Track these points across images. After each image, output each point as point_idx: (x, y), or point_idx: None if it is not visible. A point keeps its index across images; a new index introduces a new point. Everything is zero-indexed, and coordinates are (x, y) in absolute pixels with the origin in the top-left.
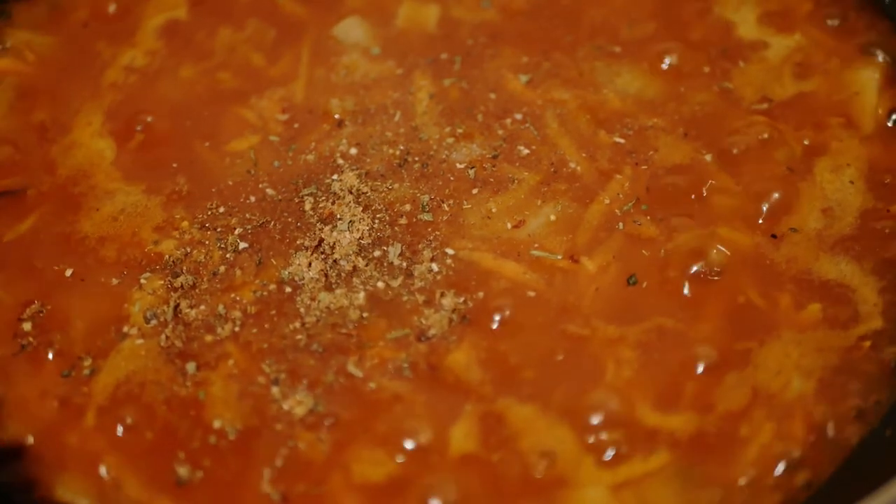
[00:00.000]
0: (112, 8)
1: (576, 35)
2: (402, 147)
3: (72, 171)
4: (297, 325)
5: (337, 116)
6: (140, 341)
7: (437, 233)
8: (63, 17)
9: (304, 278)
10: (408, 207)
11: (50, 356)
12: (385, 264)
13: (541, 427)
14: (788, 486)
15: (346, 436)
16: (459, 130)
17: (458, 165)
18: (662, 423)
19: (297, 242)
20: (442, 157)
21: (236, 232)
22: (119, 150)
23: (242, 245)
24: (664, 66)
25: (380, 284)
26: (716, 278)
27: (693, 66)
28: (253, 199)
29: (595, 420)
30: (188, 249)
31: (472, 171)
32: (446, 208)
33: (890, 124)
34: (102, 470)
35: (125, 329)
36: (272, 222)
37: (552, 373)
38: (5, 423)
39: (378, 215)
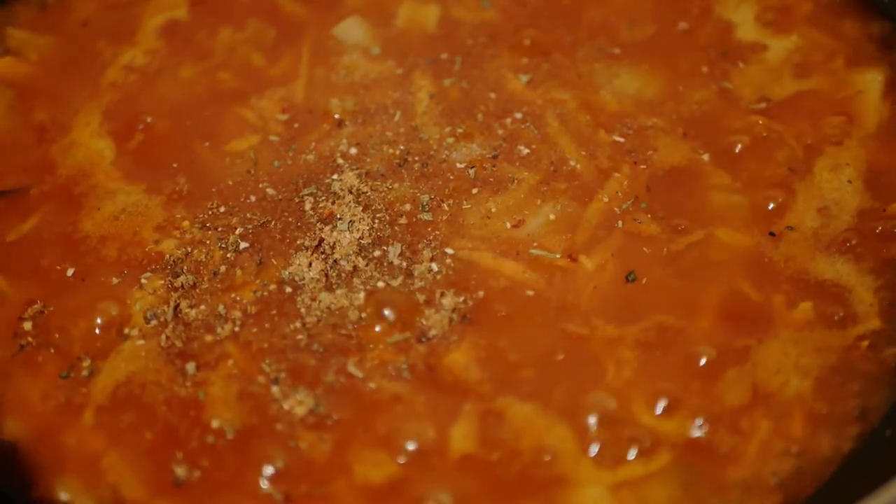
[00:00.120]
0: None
1: (575, 35)
2: (402, 147)
3: (72, 170)
4: (298, 325)
5: (337, 116)
6: (140, 342)
7: (437, 232)
8: (63, 17)
9: (304, 278)
10: (408, 207)
11: (49, 356)
12: (385, 264)
13: (541, 426)
14: (788, 486)
15: (347, 436)
16: (459, 130)
17: (458, 165)
18: (662, 423)
19: (298, 242)
20: (442, 156)
21: (237, 231)
22: (119, 149)
23: (243, 245)
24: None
25: (380, 284)
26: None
27: (692, 66)
28: (253, 198)
29: (595, 419)
30: (189, 249)
31: (472, 171)
32: (446, 208)
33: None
34: (101, 470)
35: (126, 329)
36: (273, 222)
37: (552, 372)
38: (4, 423)
39: (378, 215)
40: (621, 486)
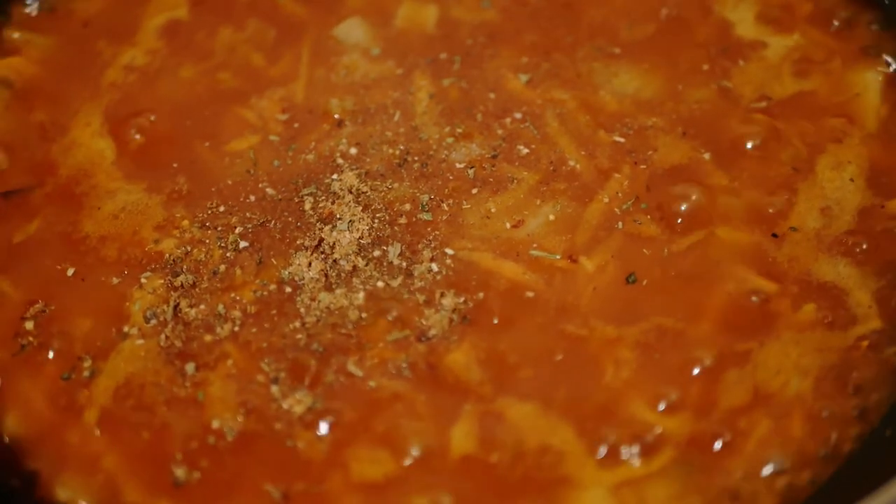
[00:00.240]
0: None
1: (575, 35)
2: (401, 147)
3: (73, 170)
4: (297, 324)
5: (337, 116)
6: (140, 341)
7: (437, 232)
8: (63, 17)
9: (304, 278)
10: (407, 207)
11: (50, 356)
12: (385, 264)
13: (541, 426)
14: (788, 486)
15: (346, 435)
16: (459, 130)
17: (458, 165)
18: (662, 423)
19: (297, 242)
20: (441, 156)
21: (237, 231)
22: (119, 149)
23: (243, 244)
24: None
25: (379, 284)
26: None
27: (692, 65)
28: (253, 198)
29: (595, 420)
30: (188, 248)
31: (471, 171)
32: (446, 208)
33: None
34: (101, 470)
35: (125, 329)
36: (272, 222)
37: (551, 373)
38: (5, 422)
39: (378, 215)
40: (621, 487)
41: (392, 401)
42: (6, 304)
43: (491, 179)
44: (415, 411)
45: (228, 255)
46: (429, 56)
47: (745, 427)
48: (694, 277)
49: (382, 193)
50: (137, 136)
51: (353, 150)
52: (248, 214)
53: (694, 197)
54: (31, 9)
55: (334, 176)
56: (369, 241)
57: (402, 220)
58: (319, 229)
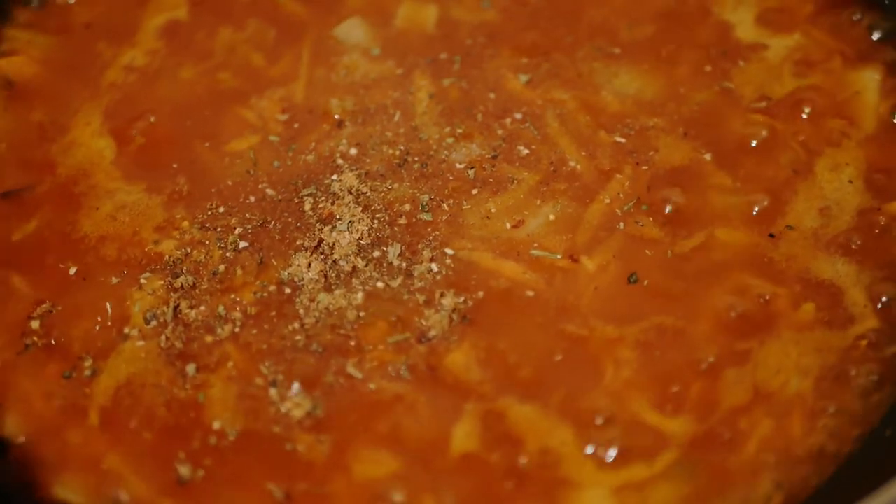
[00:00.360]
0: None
1: (575, 36)
2: (401, 147)
3: (72, 170)
4: (297, 325)
5: (337, 116)
6: (140, 342)
7: (437, 233)
8: (64, 18)
9: (303, 279)
10: (407, 207)
11: (52, 356)
12: (384, 264)
13: (542, 427)
14: (788, 486)
15: (346, 436)
16: (459, 130)
17: (458, 165)
18: (662, 423)
19: (297, 243)
20: (442, 157)
21: (236, 231)
22: (119, 149)
23: (243, 244)
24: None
25: (379, 285)
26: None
27: (693, 66)
28: (253, 199)
29: (595, 420)
30: (188, 249)
31: (471, 172)
32: (446, 208)
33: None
34: (103, 470)
35: (126, 330)
36: (272, 222)
37: (551, 373)
38: (6, 422)
39: (377, 215)
40: (622, 487)
41: (392, 402)
42: (20, 301)
43: (491, 180)
44: (415, 412)
45: (228, 255)
46: (429, 56)
47: (746, 426)
48: (694, 277)
49: (382, 194)
50: (137, 137)
51: (353, 151)
52: (247, 215)
53: (694, 197)
54: (32, 9)
55: (334, 176)
56: (369, 241)
57: (402, 221)
58: (319, 230)
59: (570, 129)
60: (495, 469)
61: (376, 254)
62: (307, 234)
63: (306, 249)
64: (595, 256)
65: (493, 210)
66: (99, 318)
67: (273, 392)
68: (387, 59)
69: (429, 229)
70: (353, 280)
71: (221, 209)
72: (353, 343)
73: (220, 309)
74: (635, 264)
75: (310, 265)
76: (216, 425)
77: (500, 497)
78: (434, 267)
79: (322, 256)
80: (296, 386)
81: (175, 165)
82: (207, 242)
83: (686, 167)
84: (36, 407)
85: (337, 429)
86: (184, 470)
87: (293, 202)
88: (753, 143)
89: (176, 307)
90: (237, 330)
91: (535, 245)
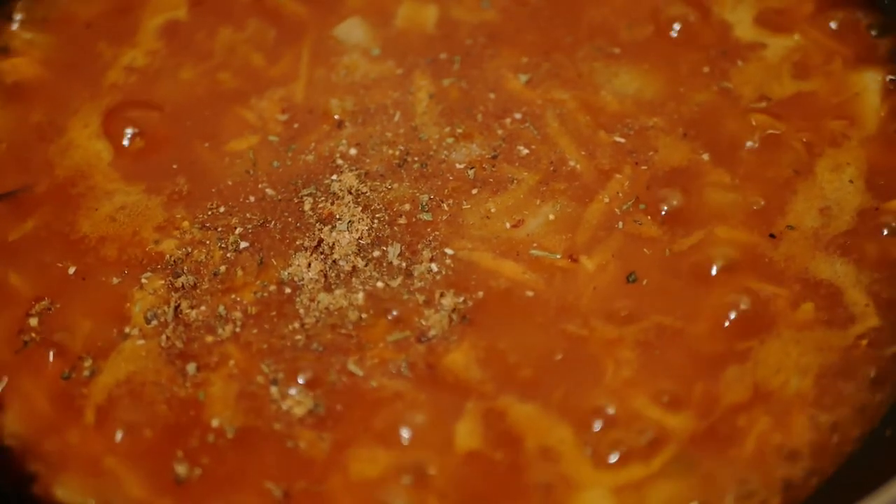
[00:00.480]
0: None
1: (575, 36)
2: (401, 147)
3: (70, 171)
4: (297, 325)
5: (337, 117)
6: (141, 342)
7: (437, 233)
8: (65, 18)
9: (303, 279)
10: (407, 207)
11: (51, 355)
12: (384, 264)
13: (542, 426)
14: (788, 486)
15: (347, 434)
16: (459, 130)
17: (458, 165)
18: (662, 422)
19: (297, 243)
20: (441, 157)
21: (237, 231)
22: (118, 150)
23: (243, 244)
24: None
25: (379, 284)
26: (715, 276)
27: (692, 67)
28: (253, 198)
29: (595, 418)
30: (189, 249)
31: (471, 172)
32: (446, 208)
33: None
34: (102, 469)
35: (126, 329)
36: (272, 222)
37: (552, 372)
38: (5, 421)
39: (377, 215)
40: (622, 486)
41: (393, 399)
42: (15, 298)
43: (491, 180)
44: (416, 410)
45: (229, 255)
46: (429, 56)
47: (746, 426)
48: (694, 277)
49: (382, 194)
50: (137, 138)
51: (353, 151)
52: (248, 215)
53: (693, 197)
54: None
55: (334, 176)
56: (369, 241)
57: (402, 221)
58: (319, 230)
59: (569, 129)
60: (496, 467)
61: (376, 253)
62: (307, 234)
63: (306, 249)
64: (594, 256)
65: (492, 210)
66: (99, 318)
67: (274, 390)
68: (387, 59)
69: (428, 229)
70: (353, 280)
71: (222, 209)
72: (353, 341)
73: (221, 309)
74: (634, 264)
75: (310, 265)
76: (215, 423)
77: (500, 495)
78: (434, 267)
79: (322, 256)
80: (297, 384)
81: (175, 166)
82: (208, 242)
83: (685, 167)
84: (35, 406)
85: (339, 426)
86: (181, 469)
87: (293, 202)
88: (753, 144)
89: (177, 307)
90: (238, 330)
91: (535, 245)
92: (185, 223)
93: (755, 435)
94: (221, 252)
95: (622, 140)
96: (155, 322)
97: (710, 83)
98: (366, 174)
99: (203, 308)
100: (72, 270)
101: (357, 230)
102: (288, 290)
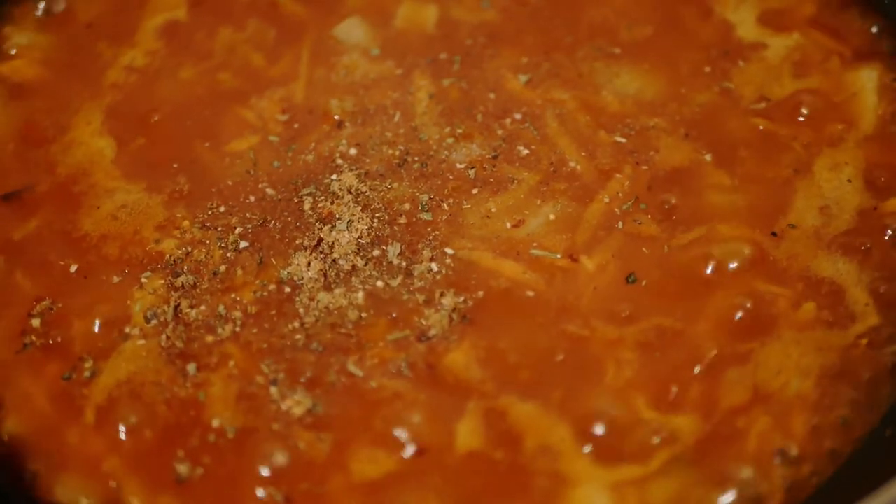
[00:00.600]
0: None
1: (575, 36)
2: (401, 147)
3: (71, 169)
4: (296, 325)
5: (337, 117)
6: (141, 342)
7: (437, 232)
8: (65, 19)
9: (303, 278)
10: (407, 207)
11: (52, 355)
12: (384, 264)
13: (542, 425)
14: (788, 486)
15: (347, 435)
16: (459, 130)
17: (458, 165)
18: (663, 422)
19: (297, 242)
20: (441, 157)
21: (237, 231)
22: (119, 149)
23: (243, 244)
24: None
25: (379, 284)
26: (715, 277)
27: (694, 67)
28: (253, 198)
29: (595, 418)
30: (189, 249)
31: (471, 171)
32: (446, 208)
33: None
34: (102, 469)
35: (127, 329)
36: (272, 221)
37: (552, 372)
38: (5, 421)
39: (377, 215)
40: (622, 485)
41: (393, 400)
42: (19, 297)
43: (491, 179)
44: (416, 410)
45: (229, 255)
46: (429, 56)
47: (746, 426)
48: (694, 277)
49: (382, 193)
50: (137, 137)
51: (353, 151)
52: (248, 214)
53: (694, 197)
54: (33, 10)
55: (334, 176)
56: (368, 240)
57: (402, 220)
58: (319, 229)
59: (569, 129)
60: (496, 466)
61: (376, 253)
62: (307, 234)
63: (306, 249)
64: (594, 256)
65: (493, 210)
66: (99, 318)
67: (273, 390)
68: (387, 59)
69: (429, 229)
70: (353, 279)
71: (222, 209)
72: (353, 341)
73: (221, 308)
74: (634, 264)
75: (309, 264)
76: (215, 423)
77: (500, 494)
78: (434, 266)
79: (322, 255)
80: (297, 383)
81: (175, 165)
82: (208, 242)
83: (686, 167)
84: (36, 406)
85: (338, 426)
86: (182, 468)
87: (293, 202)
88: (753, 144)
89: (177, 306)
90: (238, 329)
91: (535, 245)
92: (186, 222)
93: (755, 435)
94: (221, 251)
95: (623, 140)
96: (155, 322)
97: (711, 83)
98: (366, 174)
99: (203, 307)
100: (73, 269)
101: (357, 229)
102: (288, 290)
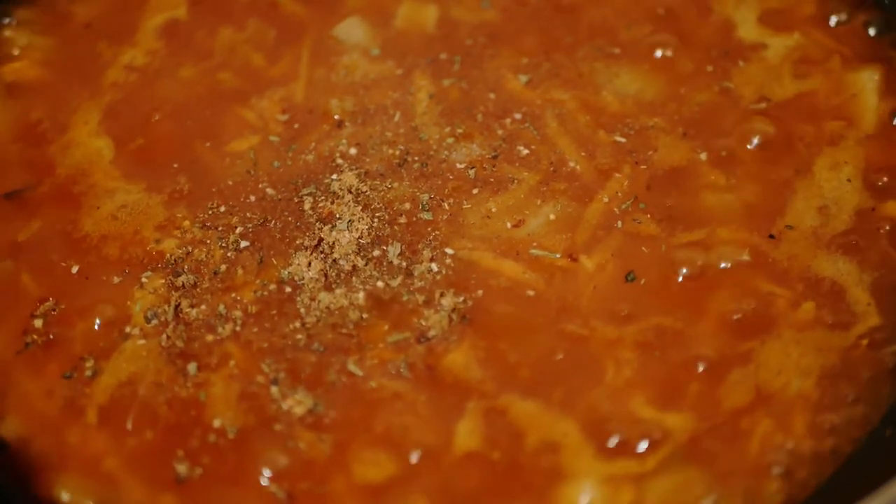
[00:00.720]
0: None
1: (575, 36)
2: (401, 147)
3: (71, 170)
4: (297, 324)
5: (337, 117)
6: (141, 341)
7: (437, 232)
8: (65, 19)
9: (303, 278)
10: (407, 206)
11: (53, 355)
12: (384, 264)
13: (542, 424)
14: (788, 486)
15: (347, 435)
16: (459, 130)
17: (458, 165)
18: (663, 422)
19: (297, 242)
20: (442, 156)
21: (237, 231)
22: (119, 149)
23: (243, 244)
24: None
25: (379, 284)
26: (715, 276)
27: (694, 67)
28: (253, 198)
29: (596, 416)
30: (189, 248)
31: (472, 171)
32: (446, 207)
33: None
34: (102, 469)
35: (127, 329)
36: (272, 221)
37: (552, 373)
38: (5, 421)
39: (377, 214)
40: (622, 483)
41: (393, 400)
42: (23, 298)
43: (491, 179)
44: (416, 410)
45: (229, 254)
46: (429, 56)
47: (746, 426)
48: (693, 276)
49: (382, 193)
50: (137, 137)
51: (353, 151)
52: (248, 214)
53: (693, 196)
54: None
55: (334, 176)
56: (369, 240)
57: (402, 220)
58: (319, 229)
59: (569, 129)
60: (496, 465)
61: (376, 253)
62: (307, 234)
63: (306, 248)
64: (594, 255)
65: (493, 210)
66: (100, 318)
67: (274, 390)
68: (387, 60)
69: (429, 229)
70: (353, 279)
71: (222, 208)
72: (354, 341)
73: (221, 308)
74: (634, 263)
75: (310, 264)
76: (216, 423)
77: (500, 493)
78: (434, 266)
79: (322, 255)
80: (297, 383)
81: (175, 165)
82: (208, 241)
83: (685, 167)
84: (36, 406)
85: (338, 426)
86: (182, 469)
87: (293, 201)
88: (753, 144)
89: (177, 306)
90: (238, 329)
91: (535, 245)
92: (186, 222)
93: (755, 434)
94: (222, 251)
95: (622, 140)
96: (155, 321)
97: (711, 83)
98: (366, 173)
99: (203, 307)
100: (75, 269)
101: (357, 229)
102: (288, 290)
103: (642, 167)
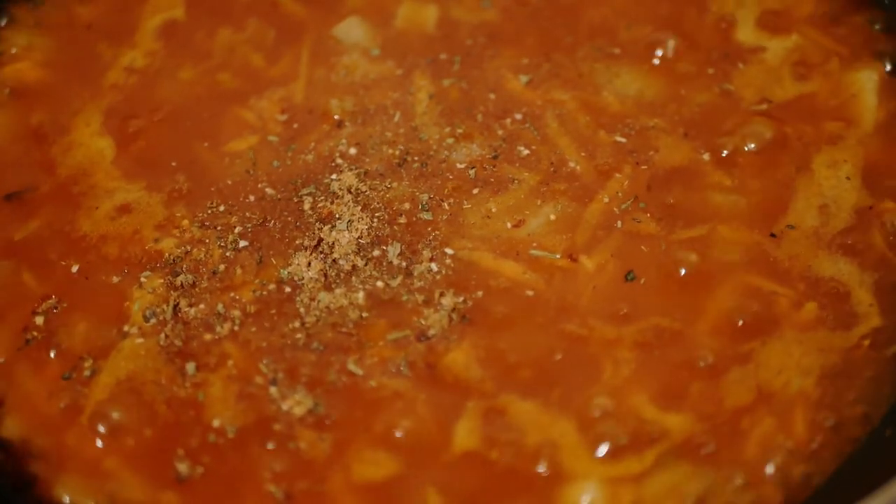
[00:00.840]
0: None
1: (575, 36)
2: (401, 147)
3: (72, 170)
4: (297, 324)
5: (336, 117)
6: (140, 340)
7: (437, 232)
8: (65, 19)
9: (303, 278)
10: (407, 206)
11: (52, 354)
12: (384, 264)
13: (542, 424)
14: (788, 485)
15: (347, 434)
16: (459, 130)
17: (458, 165)
18: (663, 422)
19: (297, 242)
20: (442, 157)
21: (236, 230)
22: (119, 149)
23: (242, 243)
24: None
25: (379, 284)
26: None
27: (694, 68)
28: (252, 198)
29: (595, 416)
30: (188, 248)
31: (472, 172)
32: (446, 207)
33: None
34: (102, 469)
35: (126, 328)
36: (272, 221)
37: (551, 372)
38: (5, 421)
39: (377, 214)
40: (621, 483)
41: (393, 399)
42: (25, 296)
43: (492, 180)
44: (416, 409)
45: (228, 254)
46: (429, 56)
47: (747, 426)
48: (694, 277)
49: (382, 193)
50: (137, 137)
51: (353, 151)
52: (247, 214)
53: (693, 197)
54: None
55: (333, 176)
56: (368, 240)
57: (402, 220)
58: (319, 229)
59: (569, 129)
60: (494, 465)
61: (376, 253)
62: (307, 234)
63: (306, 248)
64: (594, 255)
65: (493, 210)
66: (100, 317)
67: (273, 390)
68: (387, 60)
69: (429, 229)
70: (353, 279)
71: (221, 208)
72: (353, 340)
73: (220, 307)
74: (634, 263)
75: (309, 264)
76: (216, 423)
77: (499, 493)
78: (434, 266)
79: (322, 255)
80: (297, 383)
81: (174, 165)
82: (207, 241)
83: (685, 167)
84: (36, 406)
85: (338, 426)
86: (182, 467)
87: (293, 201)
88: (753, 145)
89: (175, 305)
90: (236, 328)
91: (535, 245)
92: (185, 222)
93: (756, 434)
94: (221, 251)
95: (623, 140)
96: (154, 320)
97: (711, 85)
98: (365, 173)
99: (202, 306)
100: (75, 269)
101: (357, 229)
102: (288, 289)
103: (643, 167)
